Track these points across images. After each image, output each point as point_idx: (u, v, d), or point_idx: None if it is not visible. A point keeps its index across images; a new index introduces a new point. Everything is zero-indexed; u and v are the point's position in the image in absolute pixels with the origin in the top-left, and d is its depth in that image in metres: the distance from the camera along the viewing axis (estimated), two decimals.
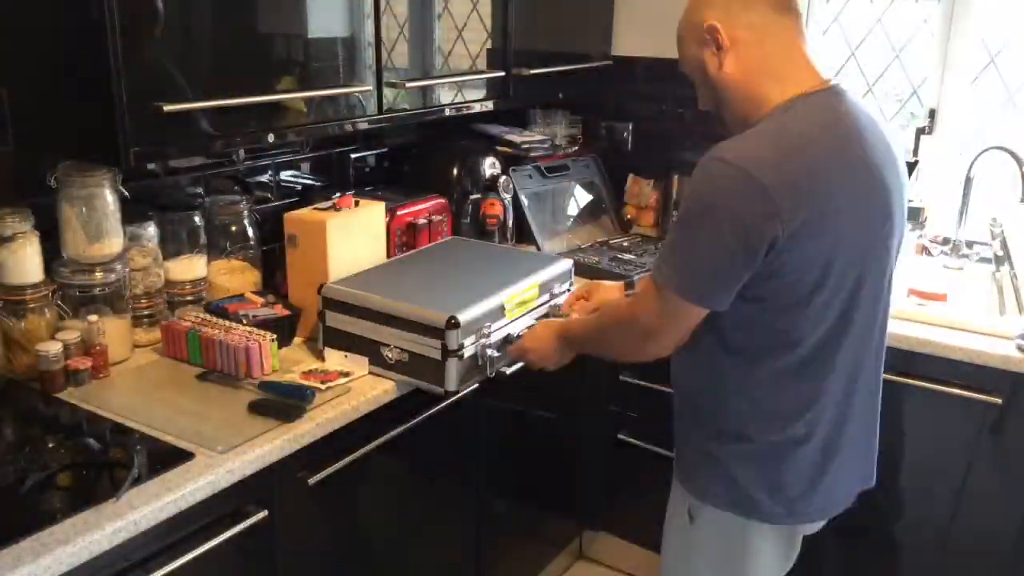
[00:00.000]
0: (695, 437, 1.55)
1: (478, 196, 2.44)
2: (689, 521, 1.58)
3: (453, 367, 1.69)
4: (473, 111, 2.33)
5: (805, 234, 1.28)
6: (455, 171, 2.42)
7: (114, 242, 1.73)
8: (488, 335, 1.77)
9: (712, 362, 1.46)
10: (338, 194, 2.02)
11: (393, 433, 1.74)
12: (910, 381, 2.05)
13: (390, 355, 1.73)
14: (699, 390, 1.53)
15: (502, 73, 2.35)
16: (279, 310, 1.88)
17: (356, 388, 1.68)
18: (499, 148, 2.58)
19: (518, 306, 1.87)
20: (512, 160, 2.57)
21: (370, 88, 1.95)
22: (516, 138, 2.63)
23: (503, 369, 2.03)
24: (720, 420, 1.49)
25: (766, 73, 1.36)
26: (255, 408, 1.57)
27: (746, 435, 1.47)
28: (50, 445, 1.48)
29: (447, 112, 2.25)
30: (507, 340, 1.82)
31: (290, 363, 1.77)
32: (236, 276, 2.03)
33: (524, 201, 2.51)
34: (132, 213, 1.81)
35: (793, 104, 1.33)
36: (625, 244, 2.74)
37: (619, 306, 1.59)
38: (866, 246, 1.39)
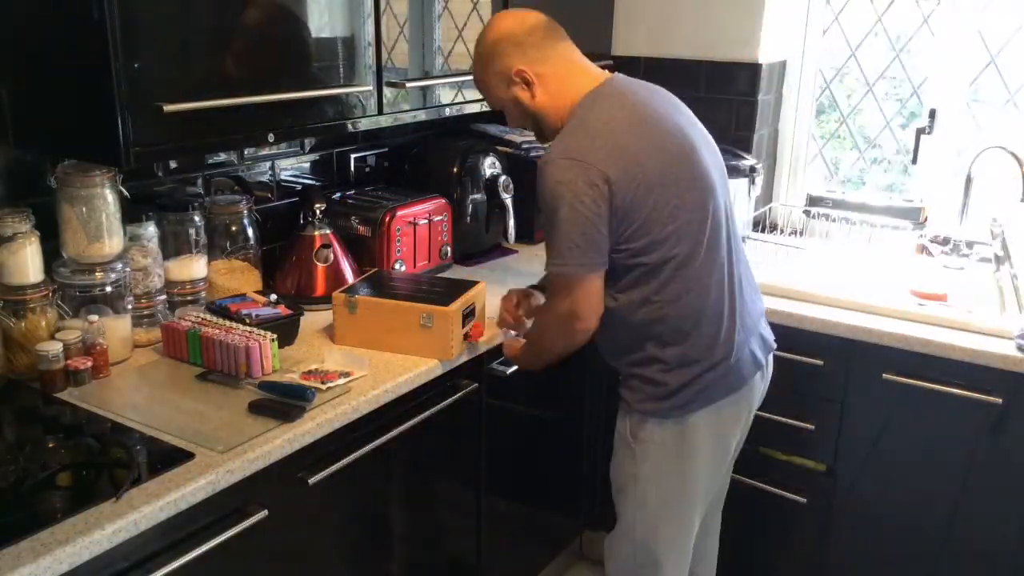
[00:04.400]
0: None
1: (478, 196, 2.44)
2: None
3: None
4: (473, 111, 2.33)
5: (631, 187, 1.62)
6: (455, 171, 2.42)
7: (114, 242, 1.73)
8: None
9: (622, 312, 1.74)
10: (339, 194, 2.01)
11: (393, 433, 1.74)
12: (910, 381, 2.05)
13: None
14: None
15: None
16: (282, 310, 1.88)
17: (356, 388, 1.68)
18: (499, 148, 2.58)
19: None
20: (512, 160, 2.57)
21: (370, 88, 1.95)
22: (516, 138, 2.63)
23: (503, 369, 2.03)
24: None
25: (564, 89, 1.73)
26: (255, 408, 1.57)
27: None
28: (50, 445, 1.48)
29: (447, 112, 2.25)
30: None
31: (290, 363, 1.77)
32: (236, 276, 2.03)
33: None
34: (132, 213, 1.81)
35: (584, 101, 1.70)
36: None
37: (539, 315, 1.87)
38: (684, 188, 1.69)
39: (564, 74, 1.74)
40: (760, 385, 1.89)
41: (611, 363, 1.86)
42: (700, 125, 1.82)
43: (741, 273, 1.81)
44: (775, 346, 1.93)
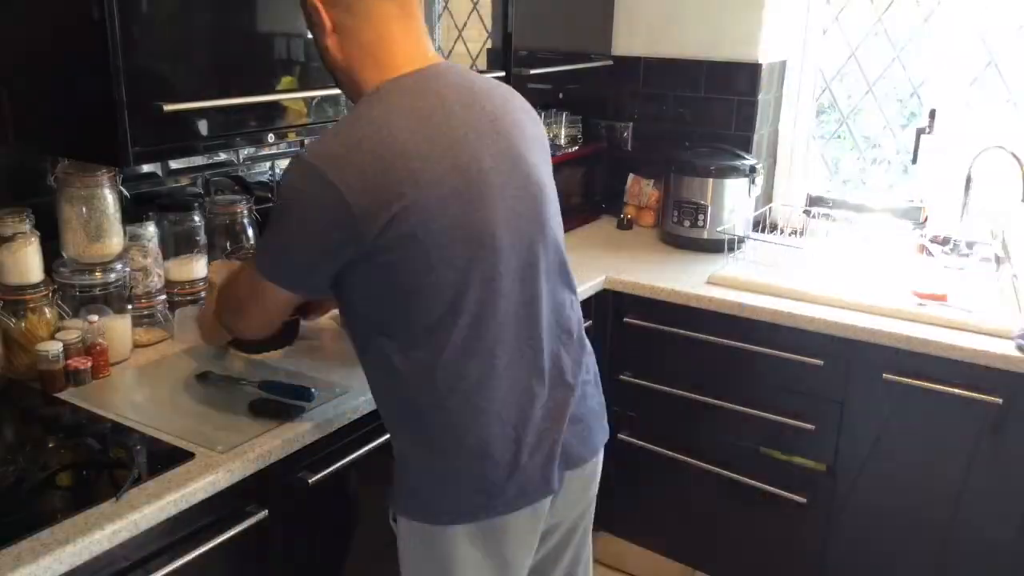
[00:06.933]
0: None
1: None
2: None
3: None
4: None
5: (398, 215, 1.23)
6: None
7: (114, 242, 1.73)
8: None
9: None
10: None
11: None
12: (910, 381, 2.05)
13: None
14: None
15: (502, 73, 2.34)
16: None
17: (356, 388, 1.68)
18: None
19: None
20: None
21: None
22: None
23: None
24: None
25: (364, 59, 1.32)
26: (255, 408, 1.57)
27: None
28: (50, 445, 1.48)
29: None
30: None
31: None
32: None
33: None
34: (132, 213, 1.82)
35: (379, 90, 1.30)
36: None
37: (230, 272, 1.54)
38: (492, 213, 1.30)
39: (371, 40, 1.31)
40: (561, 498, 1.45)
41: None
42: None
43: (547, 341, 1.39)
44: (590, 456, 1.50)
